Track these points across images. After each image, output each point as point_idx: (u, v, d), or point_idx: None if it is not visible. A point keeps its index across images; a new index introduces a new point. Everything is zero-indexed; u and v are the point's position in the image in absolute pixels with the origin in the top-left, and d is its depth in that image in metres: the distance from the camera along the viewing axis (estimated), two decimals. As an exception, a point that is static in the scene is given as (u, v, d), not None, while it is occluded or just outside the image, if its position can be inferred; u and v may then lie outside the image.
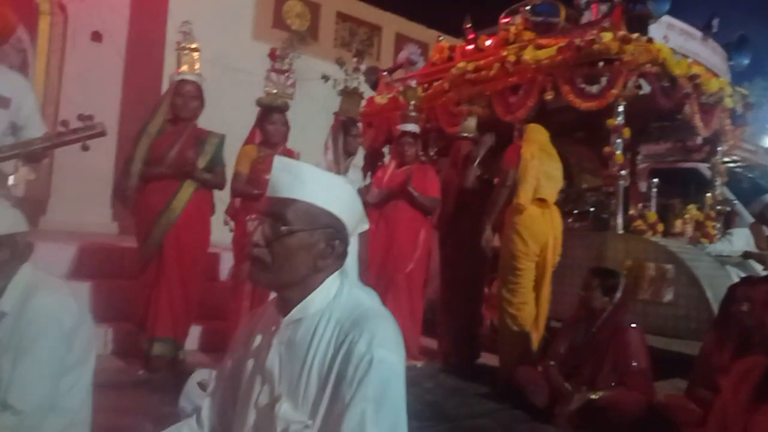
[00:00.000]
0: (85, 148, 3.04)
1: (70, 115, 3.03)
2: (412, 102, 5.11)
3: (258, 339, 1.41)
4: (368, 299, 1.33)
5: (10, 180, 3.36)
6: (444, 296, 4.94)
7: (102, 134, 3.09)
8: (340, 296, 1.31)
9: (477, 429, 3.38)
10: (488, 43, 5.71)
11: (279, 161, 1.31)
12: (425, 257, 4.78)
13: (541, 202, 4.23)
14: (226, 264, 5.38)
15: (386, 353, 1.21)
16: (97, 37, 8.20)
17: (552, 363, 3.70)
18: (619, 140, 4.71)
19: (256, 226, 1.30)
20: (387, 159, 5.65)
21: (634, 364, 3.43)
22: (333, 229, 1.30)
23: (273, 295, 1.39)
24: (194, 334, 4.49)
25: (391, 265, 4.65)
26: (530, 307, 4.24)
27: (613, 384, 3.42)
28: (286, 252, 1.27)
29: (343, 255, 1.32)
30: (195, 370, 2.38)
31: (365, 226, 1.40)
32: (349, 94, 4.58)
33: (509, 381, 3.92)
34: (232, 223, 4.30)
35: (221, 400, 1.49)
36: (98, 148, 3.08)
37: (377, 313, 1.29)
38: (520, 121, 4.85)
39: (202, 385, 2.24)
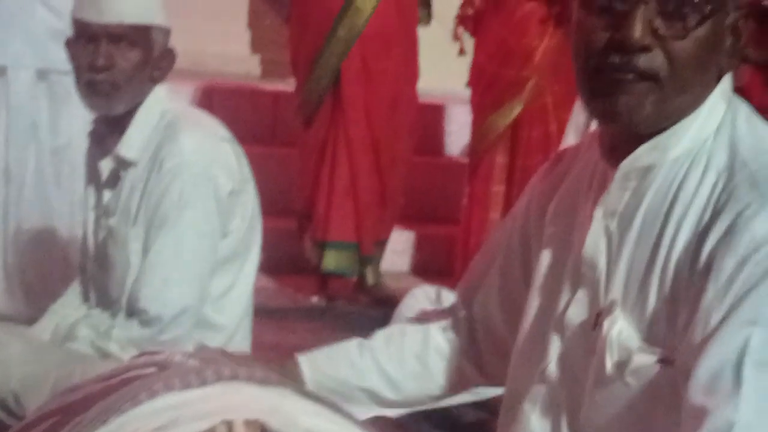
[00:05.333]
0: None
1: None
2: None
3: (564, 207, 0.96)
4: None
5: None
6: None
7: None
8: (726, 129, 0.82)
9: None
10: None
11: None
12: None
13: None
14: (453, 123, 3.47)
15: None
16: None
17: None
18: None
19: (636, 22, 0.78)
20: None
21: None
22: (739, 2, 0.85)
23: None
24: (401, 244, 3.05)
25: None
26: None
27: None
28: (687, 54, 0.80)
29: (738, 49, 0.86)
30: (411, 290, 1.67)
31: None
32: None
33: None
34: (467, 40, 2.58)
35: (487, 312, 1.06)
36: None
37: None
38: None
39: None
